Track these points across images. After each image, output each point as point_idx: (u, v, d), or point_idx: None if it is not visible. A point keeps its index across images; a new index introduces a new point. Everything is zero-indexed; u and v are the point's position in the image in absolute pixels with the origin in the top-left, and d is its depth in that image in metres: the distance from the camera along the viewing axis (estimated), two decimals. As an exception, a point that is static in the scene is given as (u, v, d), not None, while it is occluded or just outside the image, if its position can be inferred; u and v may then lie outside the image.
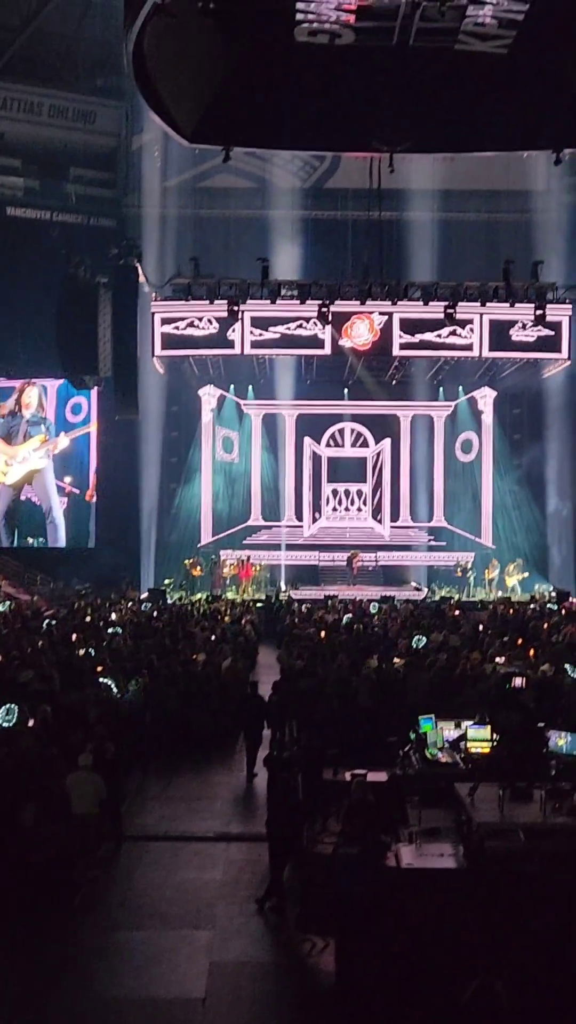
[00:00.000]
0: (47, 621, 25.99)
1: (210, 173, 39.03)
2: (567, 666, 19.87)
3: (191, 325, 33.14)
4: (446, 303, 31.25)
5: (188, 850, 14.80)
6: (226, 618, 28.75)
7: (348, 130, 17.43)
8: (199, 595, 35.43)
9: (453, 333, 32.71)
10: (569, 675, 19.37)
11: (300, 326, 32.91)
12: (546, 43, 14.58)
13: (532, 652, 21.84)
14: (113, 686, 18.54)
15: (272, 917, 12.50)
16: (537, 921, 10.45)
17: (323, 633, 24.70)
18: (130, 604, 31.31)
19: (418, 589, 37.19)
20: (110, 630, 24.37)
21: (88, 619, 27.01)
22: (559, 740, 13.93)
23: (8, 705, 15.80)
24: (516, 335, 33.10)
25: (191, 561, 38.02)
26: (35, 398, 40.37)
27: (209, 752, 19.38)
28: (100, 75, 40.46)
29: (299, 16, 14.06)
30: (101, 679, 18.78)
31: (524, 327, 32.74)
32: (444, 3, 11.83)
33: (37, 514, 40.57)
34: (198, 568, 37.89)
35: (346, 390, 39.64)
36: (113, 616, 27.75)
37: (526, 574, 37.45)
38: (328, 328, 32.42)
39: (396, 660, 20.84)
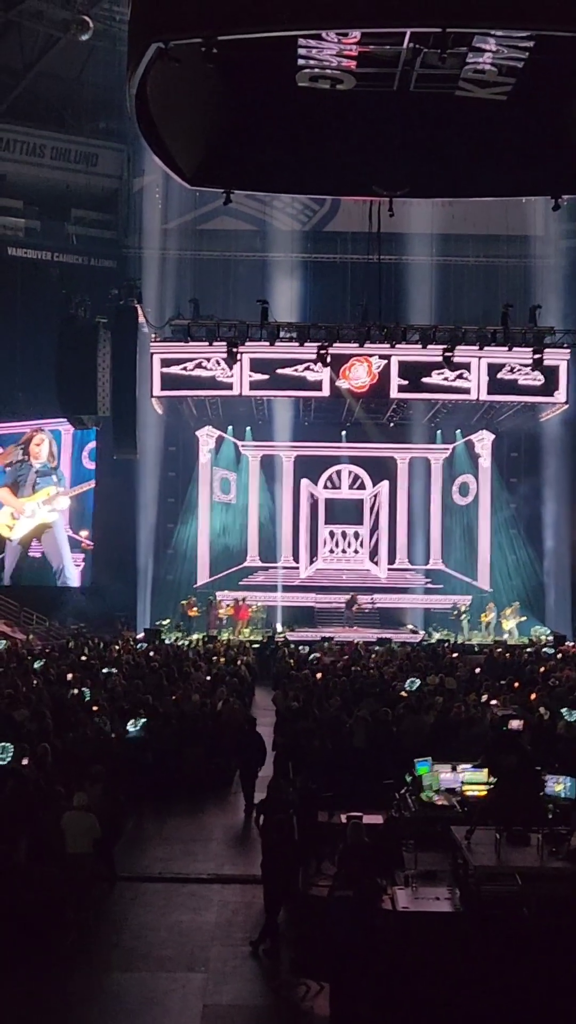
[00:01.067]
0: (38, 661, 25.85)
1: (210, 215, 39.35)
2: (563, 710, 19.82)
3: (190, 366, 33.25)
4: (444, 346, 31.39)
5: (182, 892, 14.71)
6: (222, 659, 28.66)
7: (348, 174, 17.56)
8: (195, 636, 35.34)
9: (453, 376, 32.79)
10: (565, 719, 19.32)
11: (299, 368, 33.02)
12: (545, 90, 14.72)
13: (534, 696, 21.77)
14: (108, 725, 18.46)
15: (266, 960, 12.41)
16: (533, 966, 10.38)
17: (319, 675, 24.63)
18: (126, 644, 31.19)
19: (414, 632, 37.13)
20: (105, 670, 24.28)
21: (84, 658, 26.92)
22: (556, 784, 13.88)
23: (3, 744, 15.73)
24: (513, 378, 33.22)
25: (187, 602, 37.95)
26: (45, 448, 39.44)
27: (204, 793, 19.30)
28: (102, 118, 40.82)
29: (301, 62, 14.21)
30: (95, 719, 18.70)
31: (522, 371, 32.86)
32: (445, 50, 11.92)
33: (46, 573, 39.69)
34: (194, 608, 37.81)
35: (344, 432, 39.69)
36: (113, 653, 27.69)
37: (523, 617, 37.39)
38: (327, 370, 32.53)
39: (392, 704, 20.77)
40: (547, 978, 10.30)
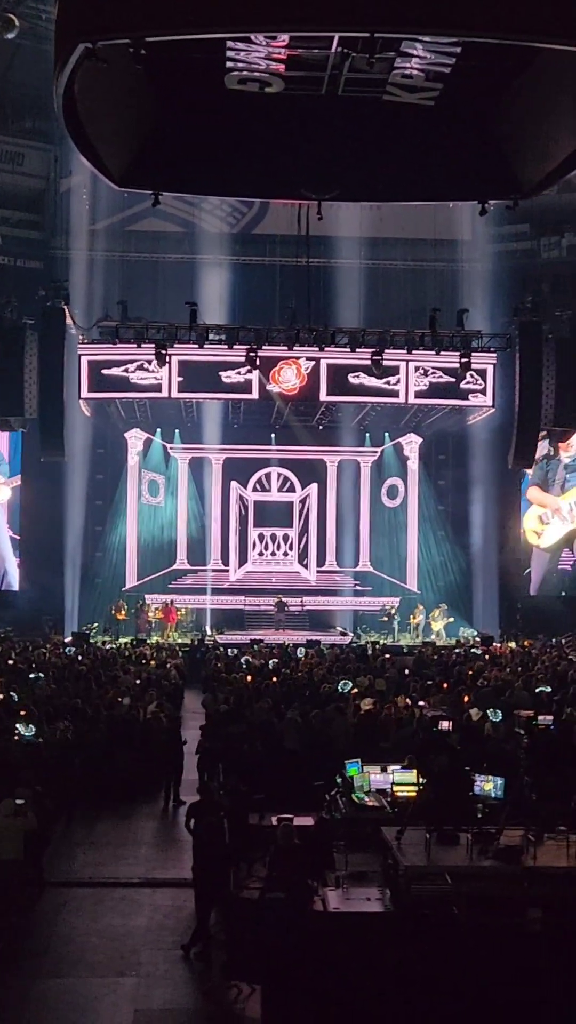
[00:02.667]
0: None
1: (138, 216, 39.11)
2: (490, 711, 20.02)
3: (118, 368, 33.06)
4: (373, 350, 31.55)
5: (113, 896, 14.63)
6: (151, 662, 28.56)
7: (276, 177, 17.58)
8: (124, 639, 35.15)
9: (380, 379, 32.89)
10: (491, 720, 19.51)
11: (227, 370, 32.98)
12: (472, 96, 14.86)
13: (467, 698, 21.95)
14: (32, 731, 18.29)
15: (198, 964, 12.38)
16: (464, 965, 10.46)
17: (249, 678, 24.63)
18: (54, 647, 30.94)
19: (344, 634, 37.24)
20: (32, 675, 24.07)
21: (11, 662, 26.67)
22: (485, 784, 13.99)
23: None
24: (441, 381, 33.44)
25: (116, 605, 37.75)
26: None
27: (134, 797, 19.21)
28: (29, 117, 40.44)
29: (229, 64, 14.21)
30: (18, 724, 18.52)
31: (449, 374, 33.09)
32: (373, 55, 11.99)
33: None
34: (123, 612, 37.62)
35: (273, 435, 39.72)
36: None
37: (450, 619, 37.67)
38: (256, 373, 32.52)
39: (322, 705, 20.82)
40: (477, 976, 10.38)
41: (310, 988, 10.37)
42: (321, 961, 10.47)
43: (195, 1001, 11.69)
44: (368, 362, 31.77)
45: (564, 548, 39.80)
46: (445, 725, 15.32)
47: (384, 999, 10.21)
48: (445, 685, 23.79)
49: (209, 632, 36.95)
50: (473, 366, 32.27)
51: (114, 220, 39.67)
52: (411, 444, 40.77)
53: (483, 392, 33.72)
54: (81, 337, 32.95)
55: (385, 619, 37.90)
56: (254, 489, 40.89)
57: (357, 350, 31.94)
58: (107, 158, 15.39)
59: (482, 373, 33.35)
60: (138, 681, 24.52)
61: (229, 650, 30.69)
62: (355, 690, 22.49)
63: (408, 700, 21.43)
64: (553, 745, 15.92)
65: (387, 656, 29.46)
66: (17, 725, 18.44)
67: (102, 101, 13.72)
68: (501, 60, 13.51)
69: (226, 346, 31.82)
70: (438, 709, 20.10)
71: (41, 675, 24.03)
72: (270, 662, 27.39)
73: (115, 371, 33.05)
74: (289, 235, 33.04)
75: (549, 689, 22.79)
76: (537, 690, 22.75)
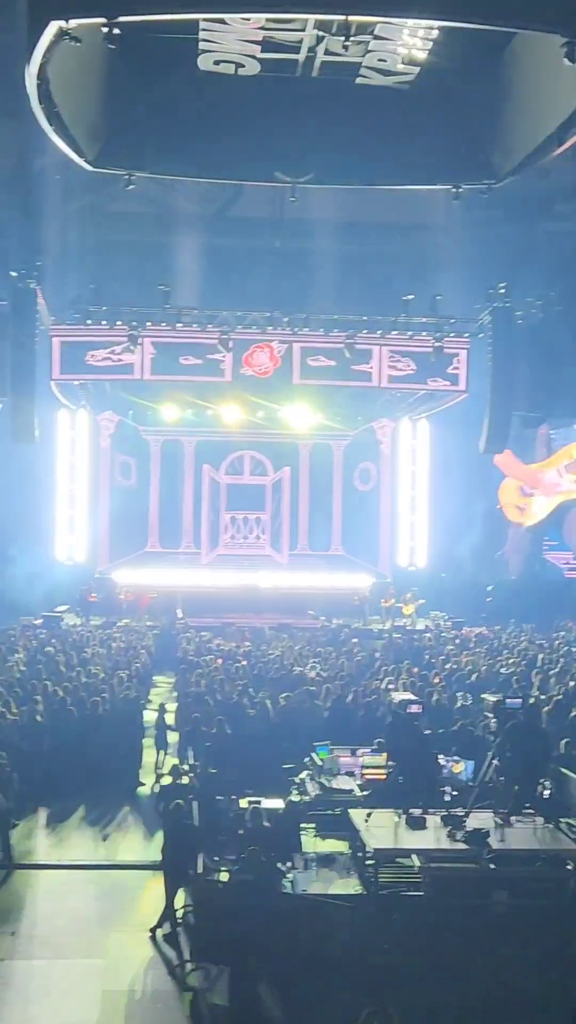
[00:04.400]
0: None
1: (111, 198, 38.84)
2: (459, 694, 20.10)
3: (91, 349, 32.90)
4: (346, 334, 31.56)
5: (81, 878, 14.64)
6: (121, 644, 28.52)
7: (251, 160, 17.56)
8: (95, 621, 35.06)
9: (353, 363, 32.86)
10: (461, 703, 19.59)
11: (200, 353, 32.85)
12: (447, 81, 14.87)
13: (438, 679, 22.03)
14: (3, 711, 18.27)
15: (165, 946, 12.39)
16: (431, 945, 10.53)
17: (219, 661, 24.65)
18: (23, 629, 30.83)
19: (315, 617, 37.25)
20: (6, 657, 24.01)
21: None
22: (454, 767, 14.08)
23: None
24: (414, 366, 33.44)
25: (87, 587, 37.64)
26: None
27: (102, 779, 19.16)
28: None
29: (203, 45, 14.16)
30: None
31: (422, 359, 33.10)
32: (348, 37, 11.98)
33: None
34: (94, 594, 37.51)
35: (246, 418, 39.59)
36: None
37: (422, 601, 37.73)
38: (229, 356, 32.43)
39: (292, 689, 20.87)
40: (444, 957, 10.45)
41: (277, 969, 10.42)
42: (289, 943, 10.51)
43: (162, 982, 11.71)
44: (341, 346, 31.78)
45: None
46: (414, 709, 15.36)
47: (351, 980, 10.26)
48: (415, 669, 23.85)
49: (180, 615, 36.88)
50: (446, 351, 32.31)
51: (87, 201, 39.39)
52: (383, 428, 40.82)
53: (456, 377, 33.74)
54: (53, 319, 32.75)
55: (356, 602, 37.93)
56: (227, 473, 40.82)
57: (330, 334, 31.92)
58: (80, 139, 15.33)
59: (454, 357, 33.35)
60: (108, 662, 24.50)
61: (200, 633, 30.68)
62: (325, 673, 22.54)
63: (378, 683, 21.49)
64: (521, 729, 16.00)
65: (354, 640, 29.49)
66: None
67: (75, 82, 13.67)
68: (476, 46, 13.53)
69: (199, 328, 31.74)
70: (407, 693, 20.17)
71: (18, 654, 24.02)
72: (241, 645, 27.40)
73: (87, 352, 32.86)
74: (264, 218, 33.00)
75: (517, 673, 22.90)
76: (505, 673, 22.87)
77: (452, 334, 32.50)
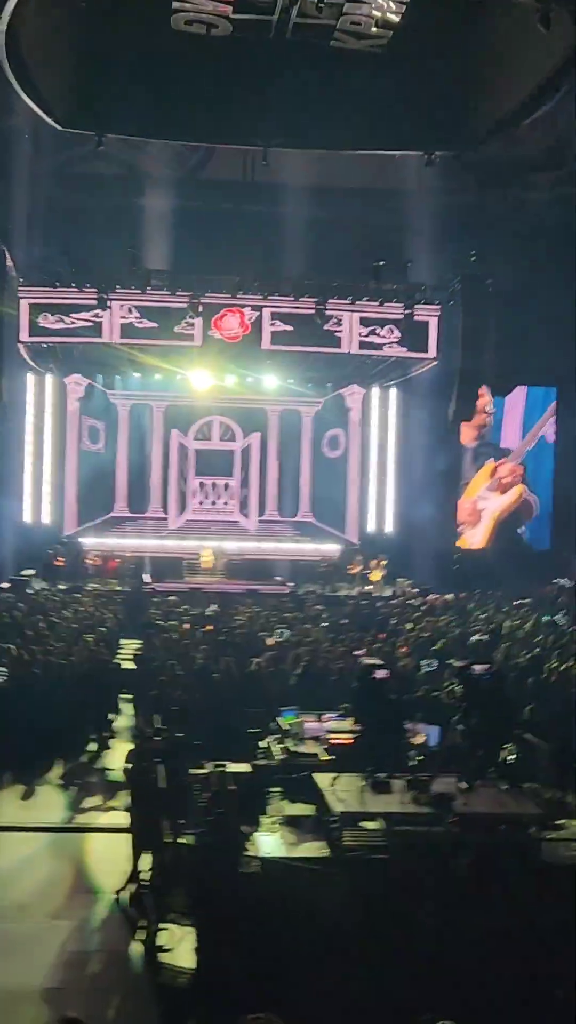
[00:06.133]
0: None
1: (81, 159, 38.48)
2: (423, 661, 20.21)
3: (59, 312, 32.68)
4: (316, 299, 31.49)
5: (46, 840, 14.68)
6: (89, 608, 28.49)
7: (223, 122, 17.46)
8: (62, 585, 34.99)
9: (323, 329, 32.81)
10: (425, 670, 19.71)
11: (170, 316, 32.69)
12: (421, 46, 14.79)
13: (403, 648, 22.12)
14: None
15: (131, 908, 12.46)
16: (396, 910, 10.62)
17: (186, 626, 24.66)
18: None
19: (283, 583, 37.34)
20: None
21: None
22: (418, 734, 14.18)
23: None
24: (384, 333, 33.42)
25: (54, 551, 37.53)
26: None
27: (69, 742, 19.19)
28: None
29: (175, 4, 14.03)
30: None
31: (392, 325, 33.09)
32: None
33: None
34: (60, 559, 37.42)
35: (215, 383, 39.49)
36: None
37: (387, 568, 37.84)
38: (198, 320, 32.31)
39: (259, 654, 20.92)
40: (409, 922, 10.54)
41: (243, 933, 10.49)
42: (254, 906, 10.58)
43: (129, 945, 11.79)
44: (312, 312, 31.73)
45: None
46: (380, 674, 15.44)
47: (316, 944, 10.34)
48: (381, 635, 23.95)
49: (147, 579, 36.87)
50: (416, 318, 32.32)
51: (56, 162, 39.00)
52: (353, 395, 40.83)
53: (426, 344, 33.75)
54: (21, 280, 32.49)
55: (324, 568, 38.03)
56: (195, 438, 40.73)
57: (301, 299, 31.86)
58: (50, 99, 15.20)
59: (424, 325, 33.35)
60: (74, 626, 24.48)
61: (167, 598, 30.68)
62: (294, 639, 22.61)
63: (345, 649, 21.56)
64: (486, 694, 16.10)
65: (320, 606, 29.57)
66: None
67: (46, 41, 13.53)
68: (450, 10, 13.47)
69: (169, 292, 31.59)
70: (374, 658, 20.25)
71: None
72: (208, 609, 27.43)
73: (56, 315, 32.64)
74: (234, 181, 32.80)
75: (485, 638, 23.04)
76: (472, 638, 23.01)
77: (423, 301, 32.48)
